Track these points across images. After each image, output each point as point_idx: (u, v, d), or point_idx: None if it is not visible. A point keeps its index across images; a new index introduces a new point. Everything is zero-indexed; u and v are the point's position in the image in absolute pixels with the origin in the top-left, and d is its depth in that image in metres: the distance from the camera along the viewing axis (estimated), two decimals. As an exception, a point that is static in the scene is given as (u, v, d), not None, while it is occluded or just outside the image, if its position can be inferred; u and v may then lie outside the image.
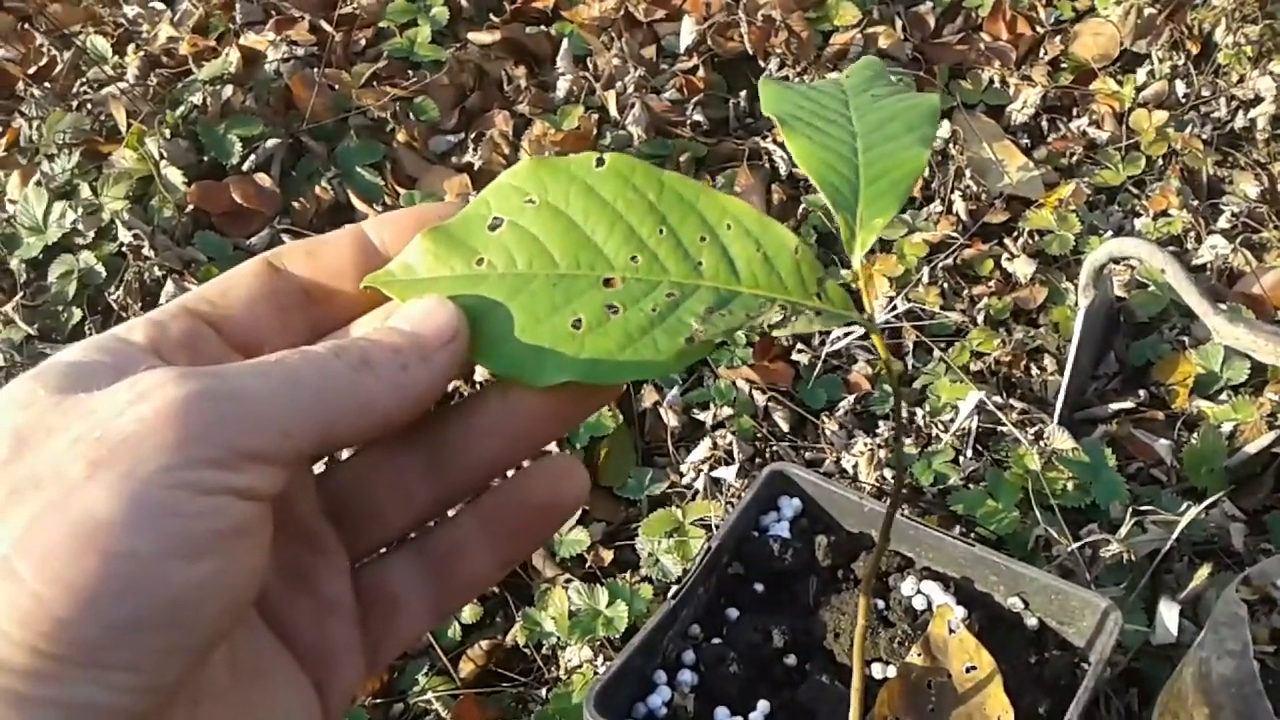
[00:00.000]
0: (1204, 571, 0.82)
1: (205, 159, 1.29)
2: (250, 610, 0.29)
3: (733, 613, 0.78)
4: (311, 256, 0.32)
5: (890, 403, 1.08)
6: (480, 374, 0.35)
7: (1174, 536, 0.83)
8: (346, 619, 0.32)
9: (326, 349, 0.28)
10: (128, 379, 0.26)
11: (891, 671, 0.73)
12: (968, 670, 0.71)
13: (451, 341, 0.30)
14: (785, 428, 1.07)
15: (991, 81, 1.44)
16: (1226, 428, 1.00)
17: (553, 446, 1.03)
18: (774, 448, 1.05)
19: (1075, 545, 0.85)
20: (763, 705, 0.72)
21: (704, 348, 0.33)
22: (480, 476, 0.33)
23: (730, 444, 1.04)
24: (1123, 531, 0.84)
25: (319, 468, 0.33)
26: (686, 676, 0.74)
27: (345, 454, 0.34)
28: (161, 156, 1.25)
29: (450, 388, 0.32)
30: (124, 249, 1.20)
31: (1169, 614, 0.75)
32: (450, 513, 0.34)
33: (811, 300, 0.35)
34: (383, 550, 0.34)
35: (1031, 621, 0.75)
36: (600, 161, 0.34)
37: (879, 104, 0.41)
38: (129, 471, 0.24)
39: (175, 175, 1.25)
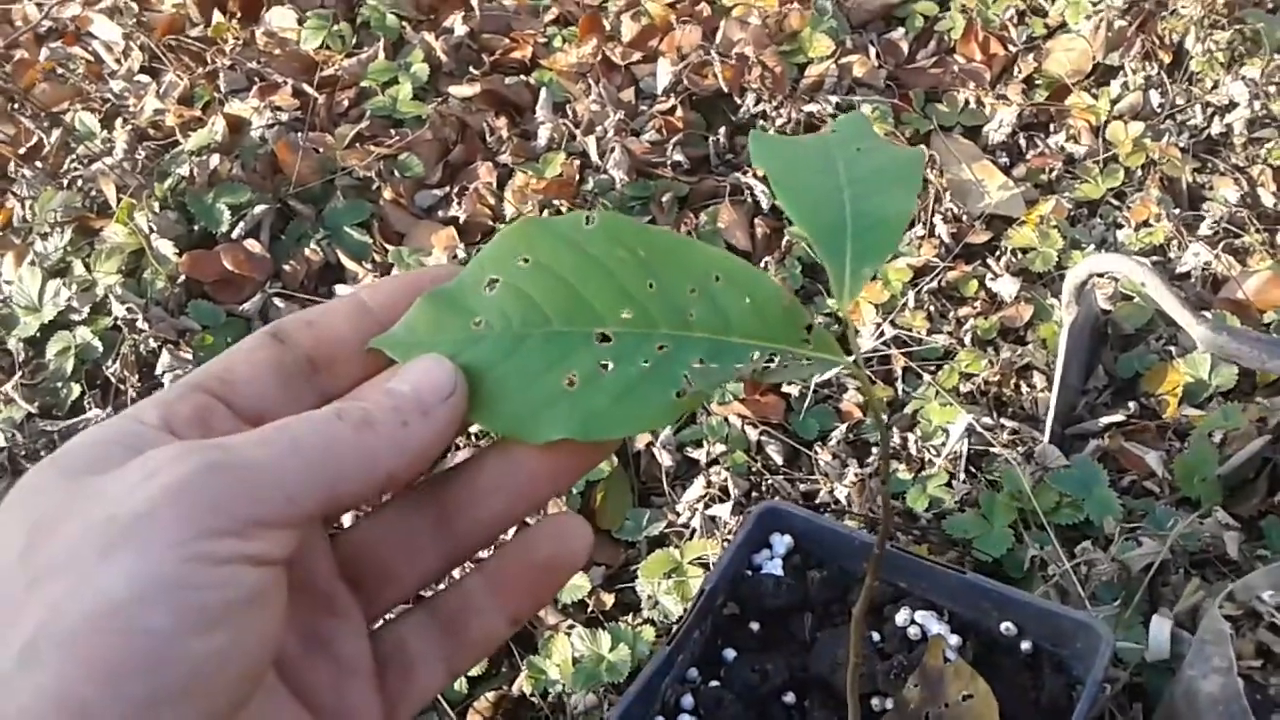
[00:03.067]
0: (1195, 584, 0.82)
1: (195, 229, 1.31)
2: (269, 674, 0.30)
3: (730, 654, 0.78)
4: (312, 326, 0.33)
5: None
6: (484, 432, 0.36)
7: (1165, 549, 0.83)
8: (365, 679, 0.33)
9: (328, 412, 0.30)
10: (138, 459, 0.27)
11: (890, 704, 0.73)
12: (965, 699, 0.71)
13: (450, 396, 0.31)
14: (779, 460, 1.07)
15: (967, 103, 1.45)
16: (1217, 436, 1.00)
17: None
18: (769, 481, 1.05)
19: (1069, 565, 0.85)
20: (763, 746, 0.72)
21: (696, 399, 0.34)
22: (486, 534, 0.34)
23: (725, 480, 1.04)
24: (1114, 548, 0.84)
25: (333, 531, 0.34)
26: (686, 721, 0.74)
27: (350, 518, 0.35)
28: (151, 229, 1.27)
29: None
30: (119, 323, 1.22)
31: (1160, 629, 0.75)
32: (460, 572, 0.35)
33: (801, 348, 0.36)
34: (397, 611, 0.35)
35: (1026, 646, 0.75)
36: (589, 220, 0.35)
37: (865, 157, 0.43)
38: (142, 550, 0.25)
39: (166, 247, 1.27)
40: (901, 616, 0.77)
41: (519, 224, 0.35)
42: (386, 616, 0.35)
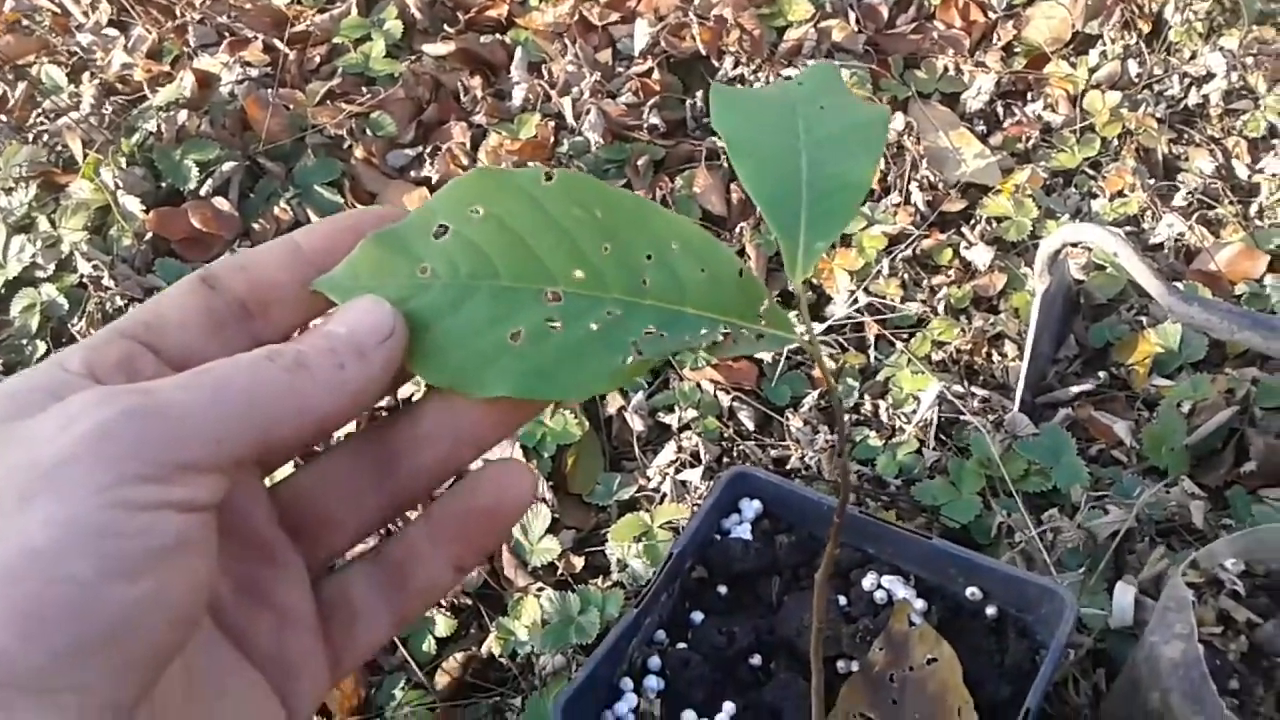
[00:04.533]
0: (1159, 552, 0.83)
1: (163, 185, 1.29)
2: (205, 623, 0.30)
3: (697, 616, 0.78)
4: (245, 270, 0.32)
5: (854, 397, 1.09)
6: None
7: (1131, 517, 0.84)
8: (306, 629, 0.32)
9: (258, 354, 0.29)
10: (58, 404, 0.26)
11: (856, 666, 0.74)
12: (929, 662, 0.72)
13: (389, 338, 0.31)
14: (751, 426, 1.07)
15: (946, 70, 1.45)
16: (1186, 406, 1.01)
17: (517, 453, 1.03)
18: (740, 447, 1.05)
19: (1035, 531, 0.85)
20: (729, 707, 0.73)
21: (641, 367, 0.33)
22: (429, 481, 0.33)
23: (696, 446, 1.04)
24: (1080, 516, 0.85)
25: (272, 480, 0.34)
26: (652, 682, 0.74)
27: (290, 466, 0.34)
28: (118, 185, 1.25)
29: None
30: (85, 280, 1.20)
31: (1124, 596, 0.76)
32: (404, 520, 0.35)
33: (753, 323, 0.35)
34: (341, 560, 0.34)
35: (991, 611, 0.75)
36: (549, 176, 0.34)
37: (828, 116, 0.41)
38: (62, 497, 0.24)
39: (133, 204, 1.25)
40: (868, 581, 0.78)
41: (474, 173, 0.34)
42: (332, 565, 0.34)
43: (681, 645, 0.77)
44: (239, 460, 0.27)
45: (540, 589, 0.96)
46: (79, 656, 0.24)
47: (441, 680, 0.92)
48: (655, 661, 0.75)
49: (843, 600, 0.78)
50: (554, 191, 0.34)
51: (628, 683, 0.74)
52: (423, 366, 0.32)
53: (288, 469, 0.35)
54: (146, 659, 0.25)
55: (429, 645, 0.95)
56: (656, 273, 0.34)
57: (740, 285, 0.35)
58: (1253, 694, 0.61)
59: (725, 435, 1.06)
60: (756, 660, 0.76)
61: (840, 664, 0.75)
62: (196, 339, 0.31)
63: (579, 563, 0.99)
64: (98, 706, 0.24)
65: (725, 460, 1.05)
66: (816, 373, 1.12)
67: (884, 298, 1.17)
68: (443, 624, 0.95)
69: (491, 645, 0.94)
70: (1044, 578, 0.75)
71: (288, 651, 0.32)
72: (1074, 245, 1.09)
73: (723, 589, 0.80)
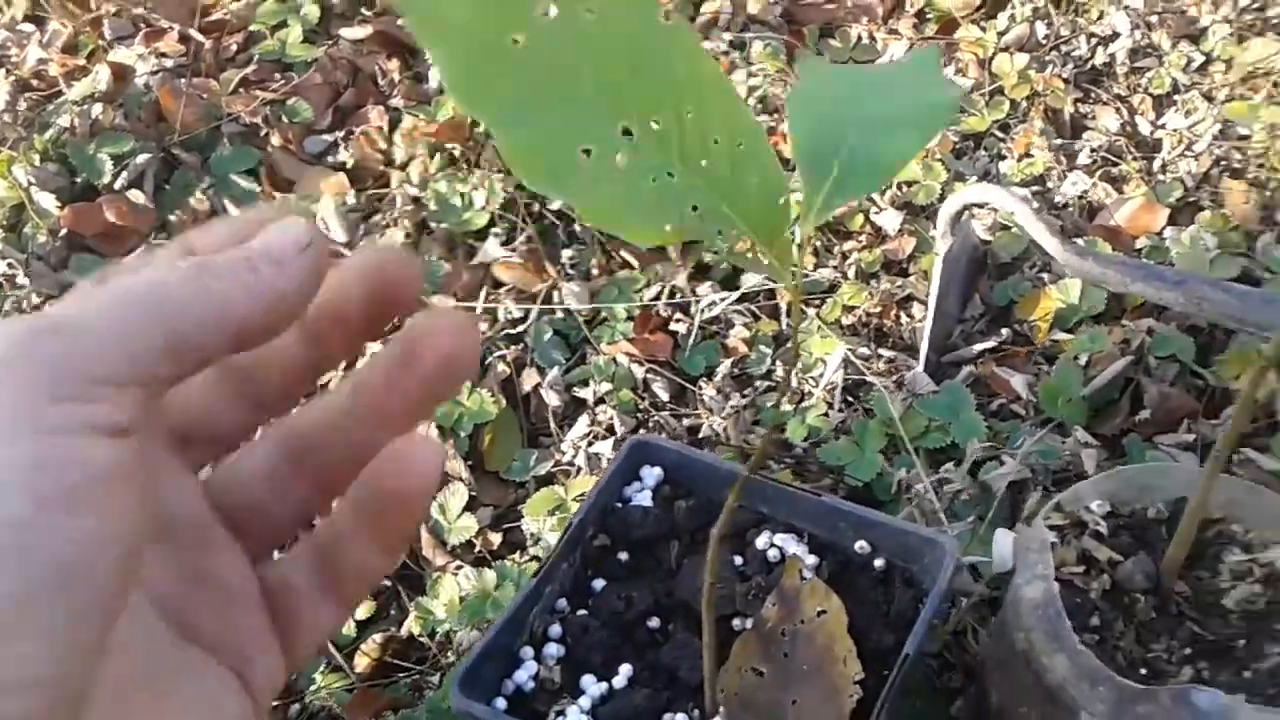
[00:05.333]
0: (1037, 497, 0.85)
1: (77, 181, 1.29)
2: (148, 613, 0.30)
3: (598, 584, 0.80)
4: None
5: (767, 364, 1.11)
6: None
7: (1017, 464, 0.86)
8: (252, 608, 0.32)
9: (164, 262, 0.28)
10: None
11: (750, 623, 0.76)
12: (819, 615, 0.74)
13: (307, 248, 0.30)
14: (665, 397, 1.09)
15: (860, 39, 1.46)
16: (1084, 358, 1.03)
17: (433, 432, 1.04)
18: (655, 418, 1.07)
19: (928, 482, 0.88)
20: (625, 669, 0.74)
21: (677, 235, 0.35)
22: (345, 465, 0.33)
23: (611, 419, 1.06)
24: (964, 467, 0.87)
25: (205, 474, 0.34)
26: (553, 649, 0.76)
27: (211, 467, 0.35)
28: (31, 183, 1.25)
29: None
30: (0, 279, 1.20)
31: (1003, 542, 0.78)
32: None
33: (766, 245, 0.37)
34: (284, 549, 0.35)
35: (879, 563, 0.78)
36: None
37: (895, 96, 0.43)
38: None
39: (48, 200, 1.24)
40: (762, 540, 0.79)
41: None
42: (273, 554, 0.35)
43: (582, 612, 0.78)
44: (155, 372, 0.27)
45: (459, 567, 0.97)
46: (30, 599, 0.23)
47: (361, 662, 0.94)
48: (556, 629, 0.77)
49: (738, 560, 0.80)
50: (675, 35, 0.34)
51: (528, 651, 0.76)
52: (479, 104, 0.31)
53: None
54: (96, 601, 0.25)
55: (349, 628, 0.96)
56: (719, 159, 0.35)
57: (776, 207, 0.37)
58: (1113, 629, 0.63)
59: (640, 407, 1.08)
60: (655, 623, 0.78)
61: (736, 622, 0.77)
62: None
63: (496, 539, 1.00)
64: (54, 657, 0.24)
65: (640, 431, 1.06)
66: (730, 342, 1.14)
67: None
68: (362, 607, 0.96)
69: (411, 625, 0.95)
70: (927, 529, 0.77)
71: (236, 632, 0.32)
72: (978, 206, 1.11)
73: (623, 555, 0.82)
